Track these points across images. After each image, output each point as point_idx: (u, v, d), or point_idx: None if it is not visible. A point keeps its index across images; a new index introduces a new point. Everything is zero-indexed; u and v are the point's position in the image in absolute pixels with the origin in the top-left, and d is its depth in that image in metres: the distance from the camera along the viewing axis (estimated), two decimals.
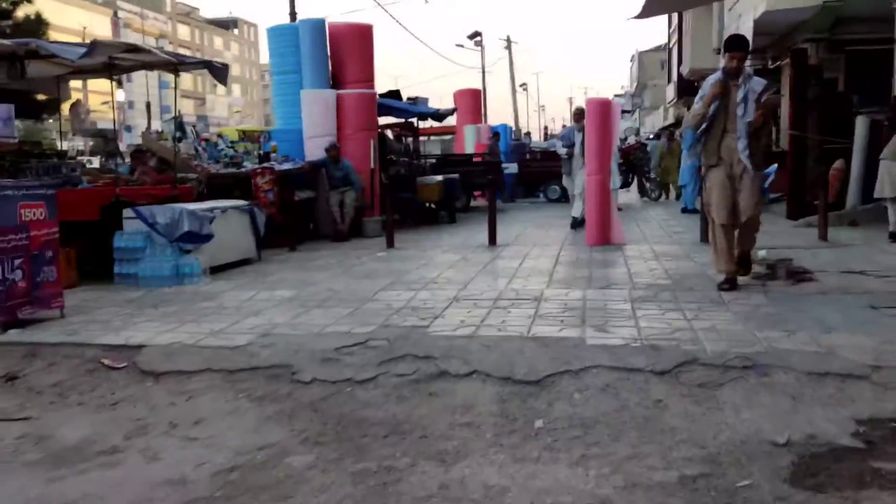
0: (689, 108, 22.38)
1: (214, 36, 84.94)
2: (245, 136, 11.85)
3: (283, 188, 10.58)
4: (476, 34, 37.60)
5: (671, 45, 38.18)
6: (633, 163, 18.43)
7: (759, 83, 6.12)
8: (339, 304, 6.18)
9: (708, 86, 6.15)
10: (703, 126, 6.16)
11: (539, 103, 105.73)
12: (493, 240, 9.90)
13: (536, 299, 6.10)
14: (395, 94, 15.18)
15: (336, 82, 12.67)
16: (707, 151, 6.28)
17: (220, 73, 8.84)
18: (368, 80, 12.77)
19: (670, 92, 38.42)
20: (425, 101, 15.47)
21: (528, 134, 36.51)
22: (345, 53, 12.65)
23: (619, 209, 11.69)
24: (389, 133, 17.41)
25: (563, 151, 12.08)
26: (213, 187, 10.34)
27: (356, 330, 5.25)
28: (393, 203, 13.16)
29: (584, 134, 10.38)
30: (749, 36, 19.33)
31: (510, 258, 8.57)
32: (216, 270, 8.00)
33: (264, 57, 75.58)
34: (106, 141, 11.31)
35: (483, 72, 37.17)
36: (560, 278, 7.09)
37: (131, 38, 66.55)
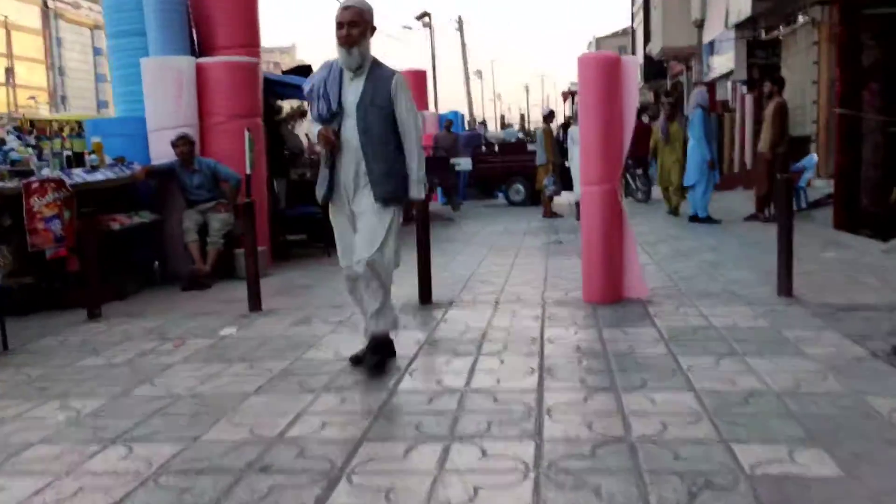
0: (657, 93, 17.66)
1: None
2: (33, 129, 7.38)
3: (91, 212, 6.28)
4: (424, 14, 33.23)
5: (635, 26, 34.29)
6: None
7: None
8: None
9: None
10: None
11: (495, 91, 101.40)
12: (426, 295, 5.75)
13: None
14: (305, 70, 10.89)
15: (202, 49, 8.39)
16: None
17: None
18: (249, 44, 8.47)
19: None
20: None
21: (483, 123, 32.37)
22: (213, 6, 8.35)
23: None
24: (306, 124, 13.14)
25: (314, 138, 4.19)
26: None
27: None
28: (287, 223, 8.98)
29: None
30: (749, 1, 15.48)
31: (452, 351, 4.39)
32: None
33: None
34: None
35: (433, 54, 32.78)
36: (558, 434, 2.99)
37: (64, 28, 60.82)
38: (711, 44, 21.16)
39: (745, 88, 17.42)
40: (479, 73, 55.43)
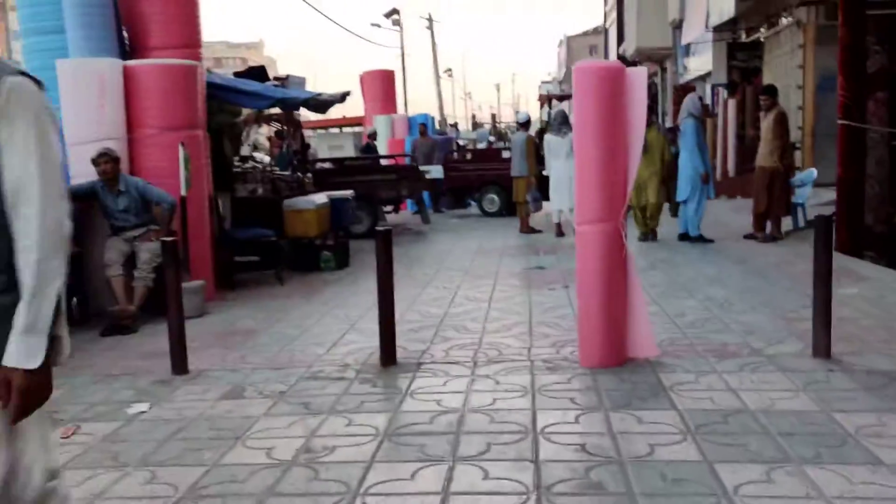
0: None
1: None
2: None
3: None
4: (394, 11, 32.05)
5: (607, 26, 33.50)
6: None
7: None
8: None
9: None
10: None
11: (465, 90, 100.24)
12: (389, 355, 4.70)
13: None
14: (258, 73, 9.80)
15: (133, 50, 7.27)
16: None
17: None
18: (188, 45, 7.36)
19: None
20: (301, 81, 10.09)
21: (455, 125, 31.33)
22: (145, 1, 7.23)
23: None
24: (264, 131, 12.07)
25: None
26: None
27: None
28: (234, 245, 7.91)
29: None
30: (732, 1, 14.68)
31: (420, 453, 3.32)
32: None
33: None
34: None
35: (402, 53, 31.65)
36: None
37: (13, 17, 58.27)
38: (687, 45, 20.36)
39: (726, 93, 16.61)
40: (449, 72, 54.30)
